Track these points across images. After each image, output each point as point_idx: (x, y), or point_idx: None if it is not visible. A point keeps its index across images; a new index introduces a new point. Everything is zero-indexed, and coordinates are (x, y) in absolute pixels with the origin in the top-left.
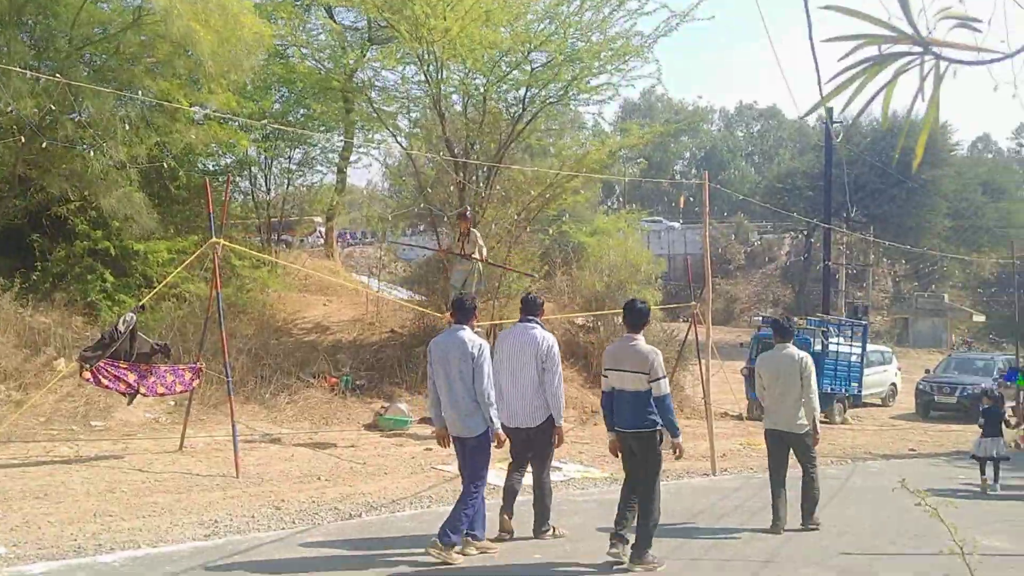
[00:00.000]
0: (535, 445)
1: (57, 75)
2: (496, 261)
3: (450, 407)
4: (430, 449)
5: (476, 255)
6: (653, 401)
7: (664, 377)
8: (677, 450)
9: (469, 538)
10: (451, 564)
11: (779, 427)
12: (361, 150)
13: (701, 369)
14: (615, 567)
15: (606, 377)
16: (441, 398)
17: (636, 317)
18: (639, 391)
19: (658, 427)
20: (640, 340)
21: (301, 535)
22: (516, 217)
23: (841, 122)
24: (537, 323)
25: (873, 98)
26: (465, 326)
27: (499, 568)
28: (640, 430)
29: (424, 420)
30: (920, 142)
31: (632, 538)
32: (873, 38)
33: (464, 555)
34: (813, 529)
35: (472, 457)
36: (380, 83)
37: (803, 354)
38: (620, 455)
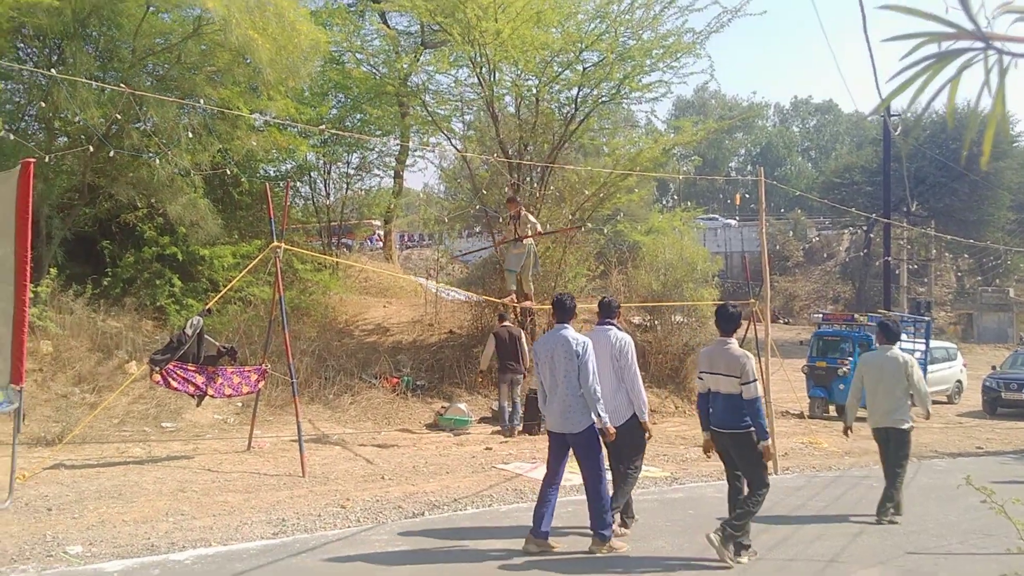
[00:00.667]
0: (620, 443)
1: (122, 84)
2: (551, 262)
3: (555, 404)
4: (490, 449)
5: (532, 234)
6: (745, 403)
7: (755, 381)
8: (765, 453)
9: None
10: (620, 551)
11: (881, 424)
12: (416, 153)
13: (761, 367)
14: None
15: (701, 379)
16: (547, 395)
17: (728, 322)
18: (732, 393)
19: (752, 428)
20: (733, 344)
21: (366, 533)
22: (571, 217)
23: (900, 115)
24: (613, 325)
25: (936, 95)
26: (568, 325)
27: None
28: (735, 430)
29: (484, 420)
30: (987, 137)
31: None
32: (933, 35)
33: (617, 545)
34: (887, 524)
35: (584, 453)
36: (434, 87)
37: (908, 356)
38: (719, 455)
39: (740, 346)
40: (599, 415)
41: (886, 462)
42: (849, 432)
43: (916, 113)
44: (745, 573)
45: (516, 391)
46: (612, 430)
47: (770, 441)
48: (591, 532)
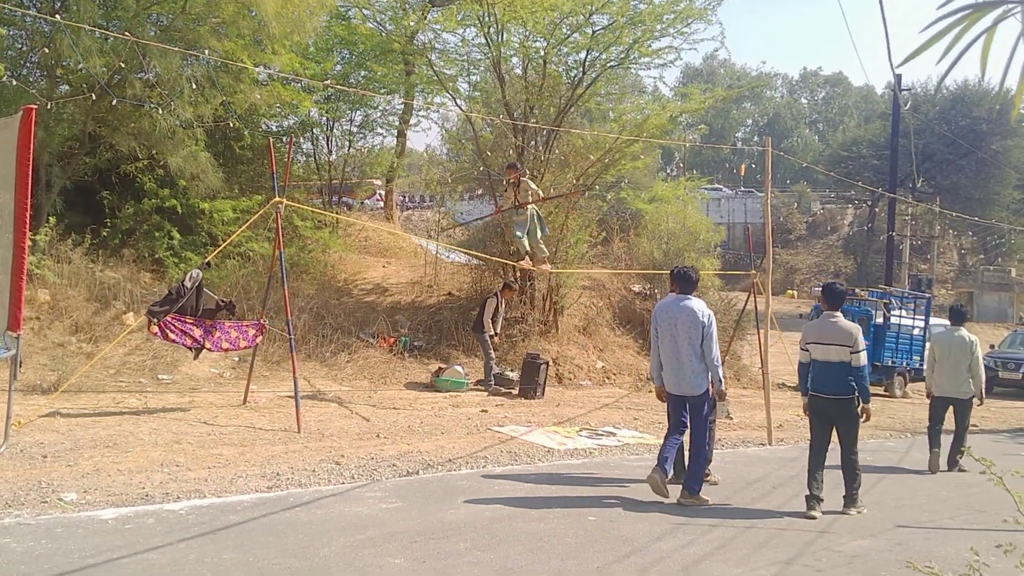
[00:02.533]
0: (693, 411)
1: (126, 33)
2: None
3: (675, 369)
4: (485, 411)
5: (532, 201)
6: (852, 370)
7: (864, 350)
8: (865, 414)
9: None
10: (706, 505)
11: (948, 394)
12: (421, 113)
13: (759, 339)
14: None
15: (806, 350)
16: (664, 360)
17: (837, 298)
18: (843, 361)
19: (855, 393)
20: (840, 317)
21: (360, 490)
22: (574, 182)
23: (910, 90)
24: (691, 296)
25: (970, 46)
26: (691, 296)
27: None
28: (842, 396)
29: (480, 383)
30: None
31: (823, 495)
32: None
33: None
34: (964, 471)
35: (698, 413)
36: (440, 46)
37: (973, 337)
38: (813, 418)
39: (739, 317)
40: (721, 379)
41: (936, 423)
42: (930, 397)
43: (948, 66)
44: (737, 541)
45: None
46: (724, 392)
47: (870, 404)
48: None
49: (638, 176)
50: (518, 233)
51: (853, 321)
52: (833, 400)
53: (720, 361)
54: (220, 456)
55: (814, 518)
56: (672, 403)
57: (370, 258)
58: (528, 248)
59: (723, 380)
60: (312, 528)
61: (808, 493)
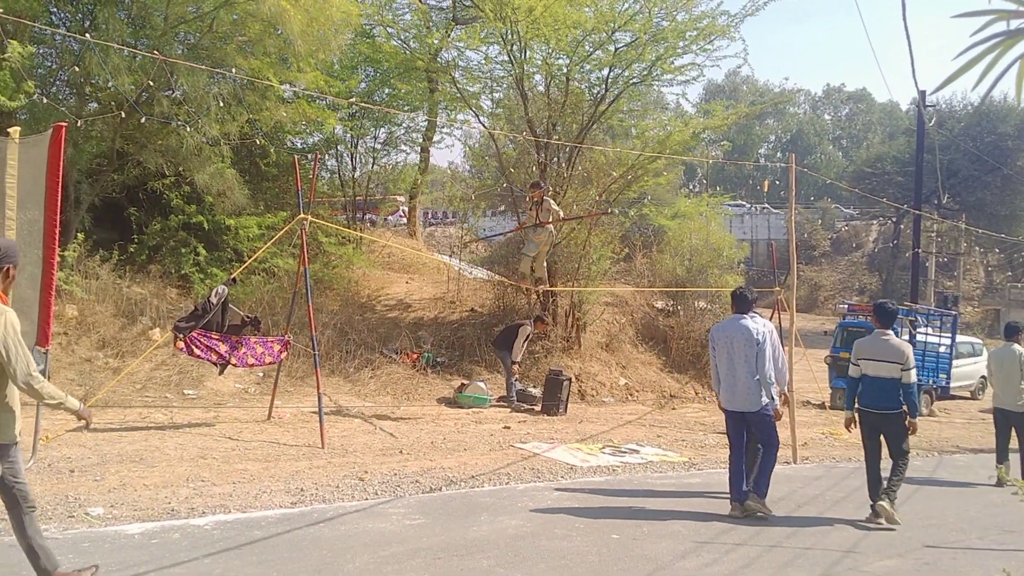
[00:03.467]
0: (755, 427)
1: (154, 51)
2: (575, 244)
3: (733, 385)
4: (508, 427)
5: (551, 221)
6: (903, 387)
7: (915, 367)
8: (912, 428)
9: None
10: (767, 514)
11: (1004, 407)
12: (444, 130)
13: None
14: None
15: (856, 365)
16: (721, 377)
17: (887, 317)
18: (892, 378)
19: (903, 407)
20: (891, 335)
21: (383, 506)
22: (597, 199)
23: (935, 106)
24: (749, 316)
25: (1004, 72)
26: (746, 315)
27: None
28: (891, 411)
29: (502, 399)
30: None
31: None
32: (1003, 13)
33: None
34: None
35: (761, 427)
36: (464, 63)
37: (1022, 350)
38: (865, 432)
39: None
40: (773, 397)
41: (1000, 437)
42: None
43: (983, 91)
44: (762, 560)
45: None
46: (781, 411)
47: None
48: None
49: (661, 192)
50: (526, 252)
51: None
52: (882, 415)
53: (777, 379)
54: (245, 471)
55: (897, 524)
56: (731, 420)
57: (393, 274)
58: (528, 270)
59: (776, 398)
60: (336, 544)
61: (872, 503)
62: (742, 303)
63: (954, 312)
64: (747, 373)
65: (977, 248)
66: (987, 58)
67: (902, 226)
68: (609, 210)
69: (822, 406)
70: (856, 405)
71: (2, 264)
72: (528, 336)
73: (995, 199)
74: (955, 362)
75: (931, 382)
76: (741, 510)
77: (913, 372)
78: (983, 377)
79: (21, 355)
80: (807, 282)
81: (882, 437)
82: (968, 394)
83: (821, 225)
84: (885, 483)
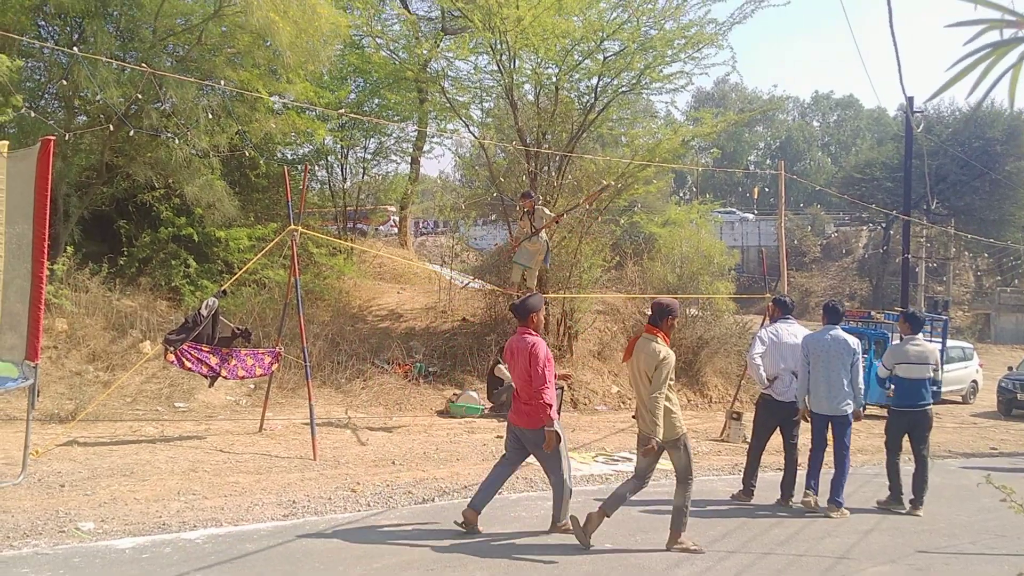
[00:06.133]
0: (838, 429)
1: (142, 64)
2: (567, 252)
3: (828, 392)
4: (501, 436)
5: (547, 225)
6: (935, 383)
7: (940, 367)
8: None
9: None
10: (845, 518)
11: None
12: (434, 140)
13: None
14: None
15: (889, 368)
16: (814, 385)
17: (918, 324)
18: (923, 378)
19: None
20: (921, 339)
21: (376, 517)
22: (587, 207)
23: (923, 112)
24: (837, 326)
25: (997, 81)
26: (837, 326)
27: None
28: (924, 406)
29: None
30: None
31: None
32: (996, 22)
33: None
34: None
35: (842, 432)
36: (453, 73)
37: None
38: (890, 433)
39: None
40: (861, 403)
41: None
42: None
43: (976, 99)
44: (755, 568)
45: None
46: (862, 413)
47: None
48: (830, 497)
49: (651, 200)
50: (519, 261)
51: (871, 342)
52: (915, 412)
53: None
54: (236, 484)
55: (911, 513)
56: (816, 423)
57: (384, 284)
58: (520, 279)
59: (865, 405)
60: (328, 556)
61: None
62: (834, 315)
63: (944, 317)
64: (841, 381)
65: (966, 253)
66: (980, 67)
67: (891, 231)
68: (607, 184)
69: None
70: (890, 406)
71: None
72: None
73: (984, 204)
74: (946, 367)
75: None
76: (816, 500)
77: (939, 371)
78: (974, 381)
79: None
80: (798, 288)
81: (910, 434)
82: (959, 398)
83: (811, 231)
84: (912, 490)
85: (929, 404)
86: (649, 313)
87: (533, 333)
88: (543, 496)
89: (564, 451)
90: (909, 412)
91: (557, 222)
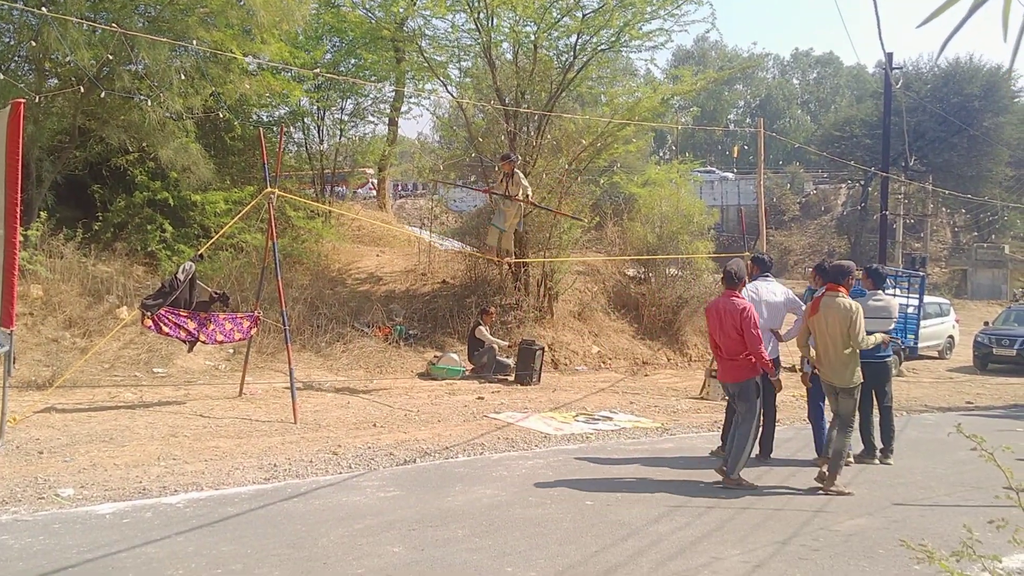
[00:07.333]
0: (840, 400)
1: (113, 25)
2: (546, 213)
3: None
4: (482, 398)
5: (520, 196)
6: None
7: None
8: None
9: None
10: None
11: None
12: (412, 100)
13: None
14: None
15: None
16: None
17: (880, 279)
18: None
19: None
20: (882, 294)
21: (357, 479)
22: (567, 167)
23: (901, 68)
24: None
25: (979, 4)
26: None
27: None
28: (885, 358)
29: (475, 371)
30: None
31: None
32: None
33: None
34: None
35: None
36: (430, 32)
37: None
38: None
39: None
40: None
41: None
42: None
43: (958, 23)
44: (733, 522)
45: None
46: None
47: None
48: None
49: (631, 160)
50: (495, 223)
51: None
52: (877, 363)
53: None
54: (217, 448)
55: (883, 462)
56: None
57: (364, 247)
58: (496, 242)
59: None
60: (310, 518)
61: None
62: (878, 278)
63: (922, 273)
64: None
65: (944, 209)
66: None
67: (870, 189)
68: (582, 219)
69: (792, 368)
70: None
71: None
72: (488, 328)
73: (962, 160)
74: (923, 323)
75: (900, 342)
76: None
77: (893, 323)
78: (950, 337)
79: None
80: (777, 246)
81: (873, 388)
82: (936, 354)
83: (790, 190)
84: (879, 439)
85: (888, 356)
86: (827, 272)
87: (740, 297)
88: (523, 455)
89: (758, 409)
90: (868, 363)
91: (533, 205)
